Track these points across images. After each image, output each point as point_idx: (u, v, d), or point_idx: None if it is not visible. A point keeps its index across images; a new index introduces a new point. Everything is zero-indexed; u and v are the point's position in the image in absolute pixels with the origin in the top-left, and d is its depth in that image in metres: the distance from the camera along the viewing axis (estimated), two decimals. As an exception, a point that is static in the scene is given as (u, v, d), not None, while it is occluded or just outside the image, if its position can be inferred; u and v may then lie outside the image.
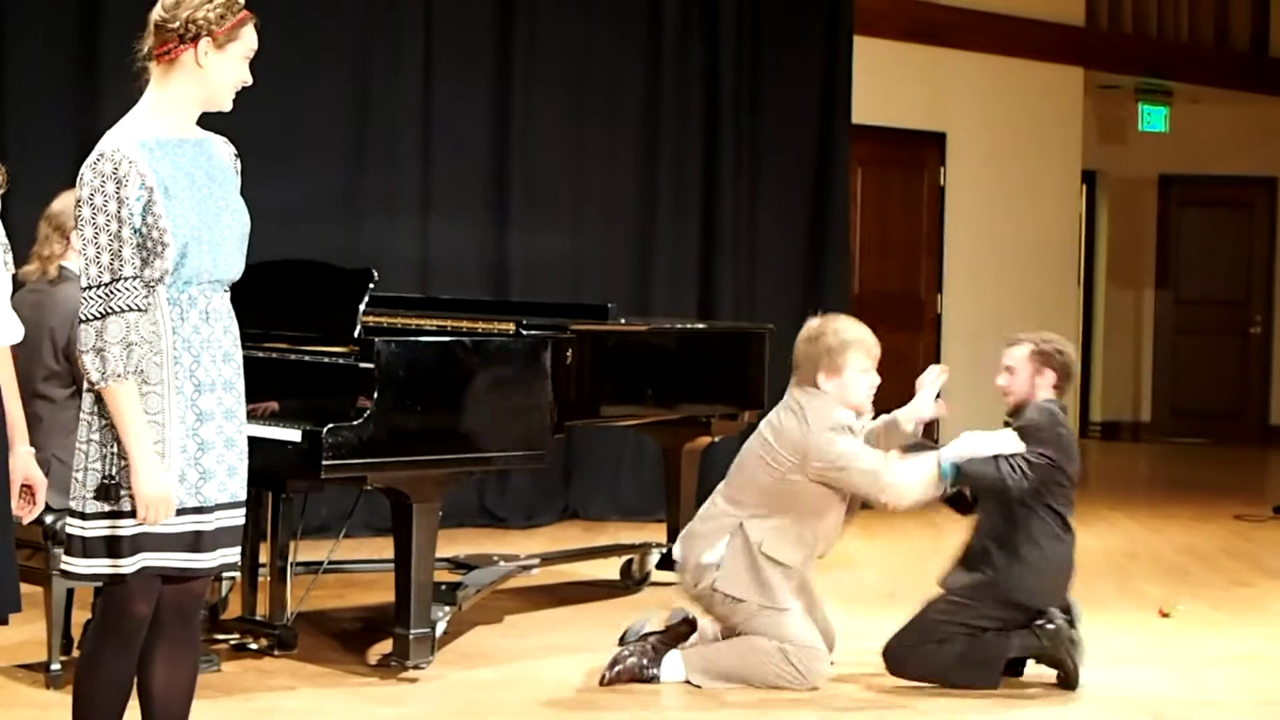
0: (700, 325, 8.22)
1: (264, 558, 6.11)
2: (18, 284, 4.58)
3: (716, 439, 7.53)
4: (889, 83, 11.62)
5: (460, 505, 8.70)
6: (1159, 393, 15.42)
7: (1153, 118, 14.30)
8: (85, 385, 3.63)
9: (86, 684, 3.76)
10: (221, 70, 3.68)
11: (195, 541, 3.67)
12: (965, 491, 5.81)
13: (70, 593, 5.48)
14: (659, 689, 5.64)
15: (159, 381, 3.62)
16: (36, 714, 5.17)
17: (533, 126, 9.41)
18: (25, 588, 4.01)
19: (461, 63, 9.15)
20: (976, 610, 5.67)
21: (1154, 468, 14.03)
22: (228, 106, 3.75)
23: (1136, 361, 15.41)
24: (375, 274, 5.69)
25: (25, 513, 3.80)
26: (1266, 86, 14.54)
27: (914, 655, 5.71)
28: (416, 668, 5.71)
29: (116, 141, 3.60)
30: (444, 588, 6.10)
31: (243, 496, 3.78)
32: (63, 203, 5.46)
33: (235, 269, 3.74)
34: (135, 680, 3.78)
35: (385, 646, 5.93)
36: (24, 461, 3.80)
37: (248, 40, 3.72)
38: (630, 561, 7.58)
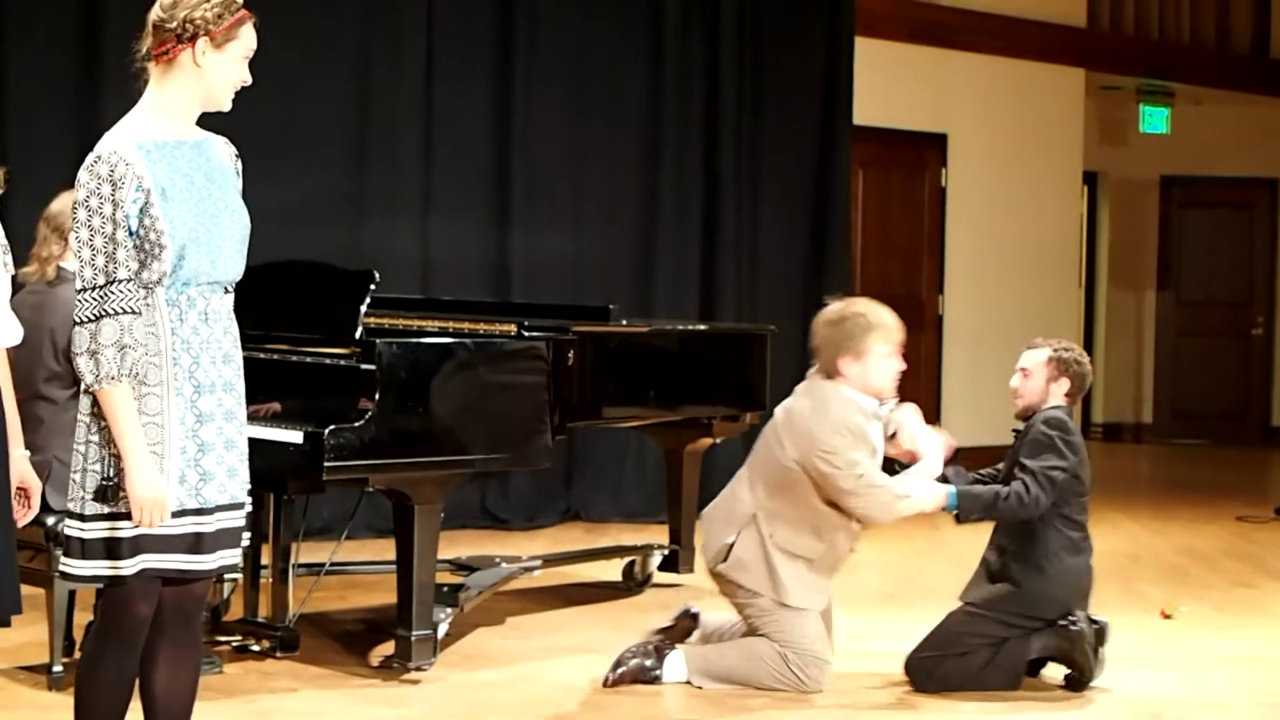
0: (702, 326, 8.22)
1: (266, 559, 6.11)
2: (17, 285, 4.57)
3: (718, 440, 7.52)
4: (891, 84, 11.63)
5: (462, 507, 8.70)
6: (1160, 394, 15.42)
7: (1154, 119, 14.29)
8: (83, 387, 3.62)
9: (88, 685, 3.76)
10: (220, 70, 3.67)
11: (196, 543, 3.67)
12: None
13: (72, 594, 5.47)
14: (661, 690, 5.63)
15: (158, 383, 3.61)
16: (38, 715, 5.17)
17: (534, 127, 9.40)
18: (27, 589, 4.00)
19: (462, 63, 9.15)
20: (997, 621, 5.64)
21: (1155, 469, 14.03)
22: (227, 106, 3.74)
23: (1138, 363, 15.41)
24: (376, 275, 5.68)
25: (20, 516, 3.79)
26: (1268, 88, 14.54)
27: (938, 669, 5.66)
28: (419, 669, 5.70)
29: (113, 143, 3.59)
30: (446, 589, 6.10)
31: (243, 498, 3.77)
32: (62, 204, 5.45)
33: (235, 270, 3.73)
34: (137, 682, 3.78)
35: (387, 648, 5.93)
36: (19, 465, 3.79)
37: (246, 40, 3.71)
38: (633, 563, 7.57)
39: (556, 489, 9.48)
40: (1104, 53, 13.47)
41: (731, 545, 5.60)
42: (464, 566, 6.84)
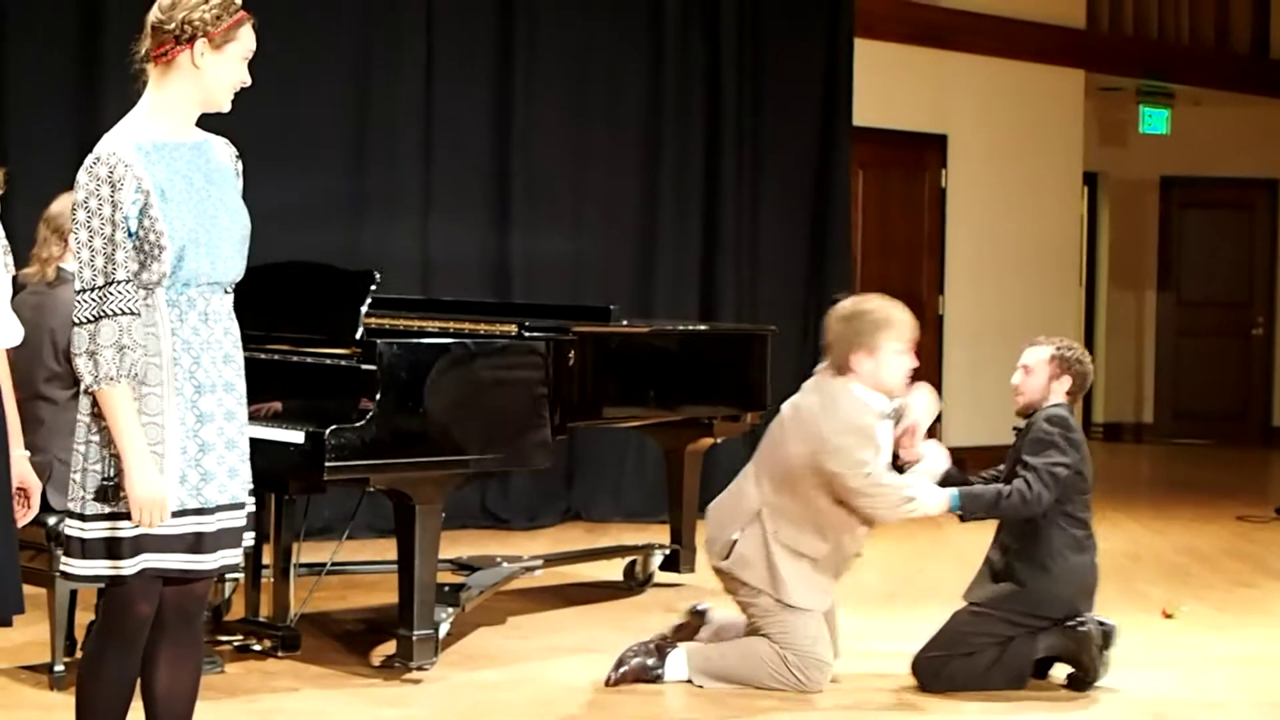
0: (702, 327, 8.22)
1: (267, 559, 6.11)
2: (18, 286, 4.58)
3: (719, 440, 7.53)
4: (890, 85, 11.64)
5: (463, 507, 8.70)
6: (1161, 394, 15.43)
7: (1154, 120, 14.29)
8: (82, 388, 3.62)
9: (89, 685, 3.76)
10: (218, 71, 3.67)
11: (196, 543, 3.67)
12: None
13: (73, 594, 5.48)
14: (663, 690, 5.63)
15: (158, 383, 3.61)
16: (40, 715, 5.17)
17: (534, 127, 9.41)
18: (28, 589, 4.00)
19: (462, 63, 9.15)
20: (1003, 620, 5.64)
21: (1156, 469, 14.03)
22: (226, 107, 3.73)
23: (1138, 363, 15.41)
24: (377, 275, 5.69)
25: (20, 516, 3.79)
26: (1267, 88, 14.54)
27: (945, 669, 5.64)
28: (420, 669, 5.71)
29: (112, 145, 3.59)
30: (447, 589, 6.10)
31: (244, 498, 3.77)
32: (62, 205, 5.46)
33: (235, 270, 3.73)
34: (139, 681, 3.78)
35: (389, 648, 5.93)
36: (19, 465, 3.80)
37: (245, 41, 3.70)
38: (634, 563, 7.58)
39: (557, 489, 9.48)
40: (1103, 54, 13.48)
41: (735, 541, 5.59)
42: (465, 566, 6.84)
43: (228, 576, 5.14)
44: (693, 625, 5.92)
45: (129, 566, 3.61)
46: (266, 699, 5.41)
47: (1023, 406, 5.82)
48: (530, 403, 5.89)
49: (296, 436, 5.40)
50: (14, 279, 3.94)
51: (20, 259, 4.41)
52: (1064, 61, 12.92)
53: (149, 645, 3.75)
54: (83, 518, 3.62)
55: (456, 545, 7.68)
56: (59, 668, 5.38)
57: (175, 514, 3.61)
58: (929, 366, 11.87)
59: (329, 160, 8.75)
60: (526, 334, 5.98)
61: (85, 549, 3.62)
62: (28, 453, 3.88)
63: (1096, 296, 15.31)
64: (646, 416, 7.03)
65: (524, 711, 5.41)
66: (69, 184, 3.69)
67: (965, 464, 5.83)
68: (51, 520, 5.10)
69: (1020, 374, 5.83)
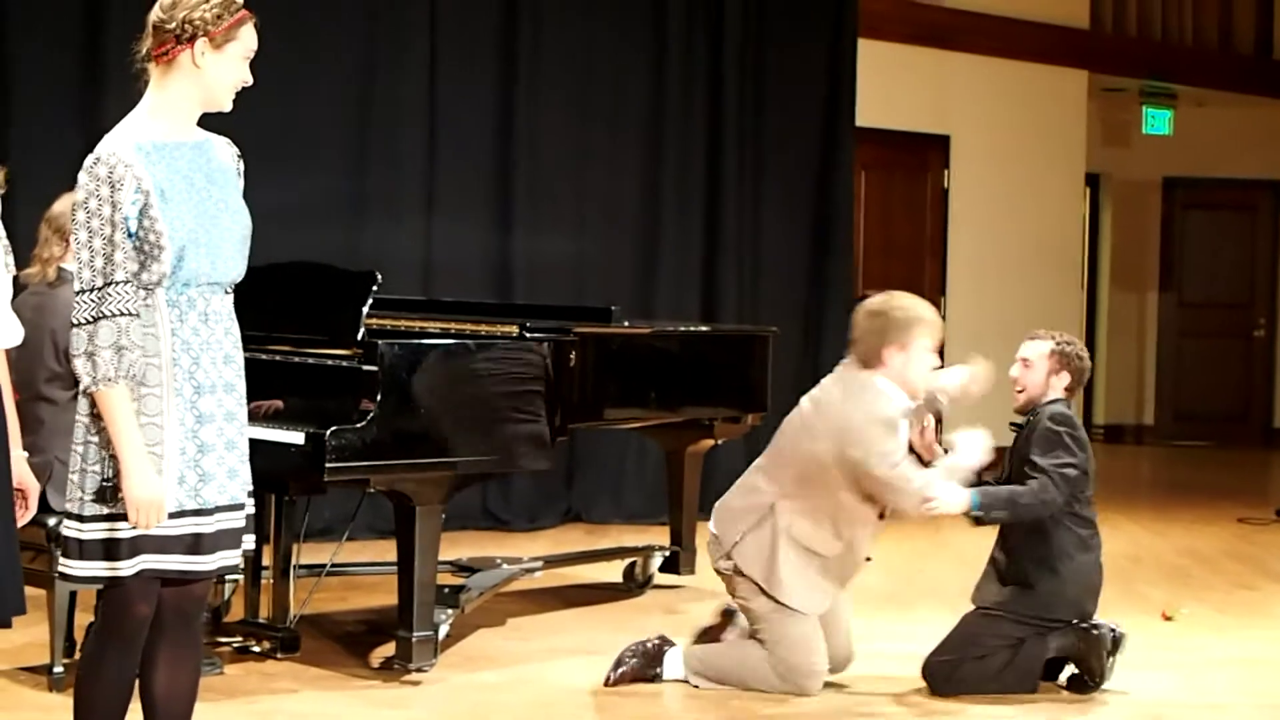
0: (703, 328, 8.21)
1: (267, 560, 6.11)
2: (19, 286, 4.58)
3: (720, 441, 7.53)
4: (893, 85, 11.64)
5: (463, 508, 8.69)
6: (1162, 396, 15.42)
7: (1157, 120, 14.29)
8: (81, 388, 3.62)
9: (88, 686, 3.76)
10: (219, 71, 3.67)
11: (195, 544, 3.66)
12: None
13: (73, 595, 5.48)
14: (662, 692, 5.63)
15: (158, 384, 3.61)
16: (39, 716, 5.17)
17: (536, 127, 9.40)
18: (28, 590, 4.00)
19: (465, 63, 9.15)
20: (1014, 622, 5.63)
21: (1157, 471, 14.02)
22: (227, 107, 3.73)
23: (1140, 364, 15.41)
24: (379, 276, 5.69)
25: (18, 517, 3.79)
26: (1271, 89, 14.54)
27: (957, 673, 5.62)
28: (419, 670, 5.71)
29: (112, 145, 3.59)
30: (447, 590, 6.10)
31: (243, 499, 3.77)
32: (63, 205, 5.46)
33: (235, 271, 3.73)
34: (138, 682, 3.78)
35: (388, 649, 5.93)
36: (17, 466, 3.80)
37: (246, 40, 3.70)
38: (634, 564, 7.58)
39: (557, 490, 9.48)
40: (1107, 54, 13.47)
41: (742, 538, 5.57)
42: (465, 568, 6.84)
43: (227, 578, 5.14)
44: (721, 625, 5.90)
45: (127, 568, 3.60)
46: (266, 700, 5.42)
47: (1023, 403, 5.80)
48: (531, 404, 5.89)
49: (297, 437, 5.40)
50: (15, 279, 3.94)
51: (21, 259, 4.41)
52: (1067, 62, 12.92)
53: (148, 646, 3.75)
54: (81, 519, 3.62)
55: (456, 546, 7.69)
56: (58, 669, 5.38)
57: (174, 515, 3.61)
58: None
59: (330, 160, 8.74)
60: (527, 335, 5.98)
61: (83, 550, 3.62)
62: (26, 454, 3.89)
63: (1098, 297, 15.31)
64: (647, 418, 7.03)
65: (523, 713, 5.41)
66: (70, 184, 3.69)
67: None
68: (51, 521, 5.10)
69: (1019, 367, 5.81)
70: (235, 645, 5.94)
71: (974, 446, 5.61)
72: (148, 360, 3.60)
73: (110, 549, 3.60)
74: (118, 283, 3.54)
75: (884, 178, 11.93)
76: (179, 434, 3.63)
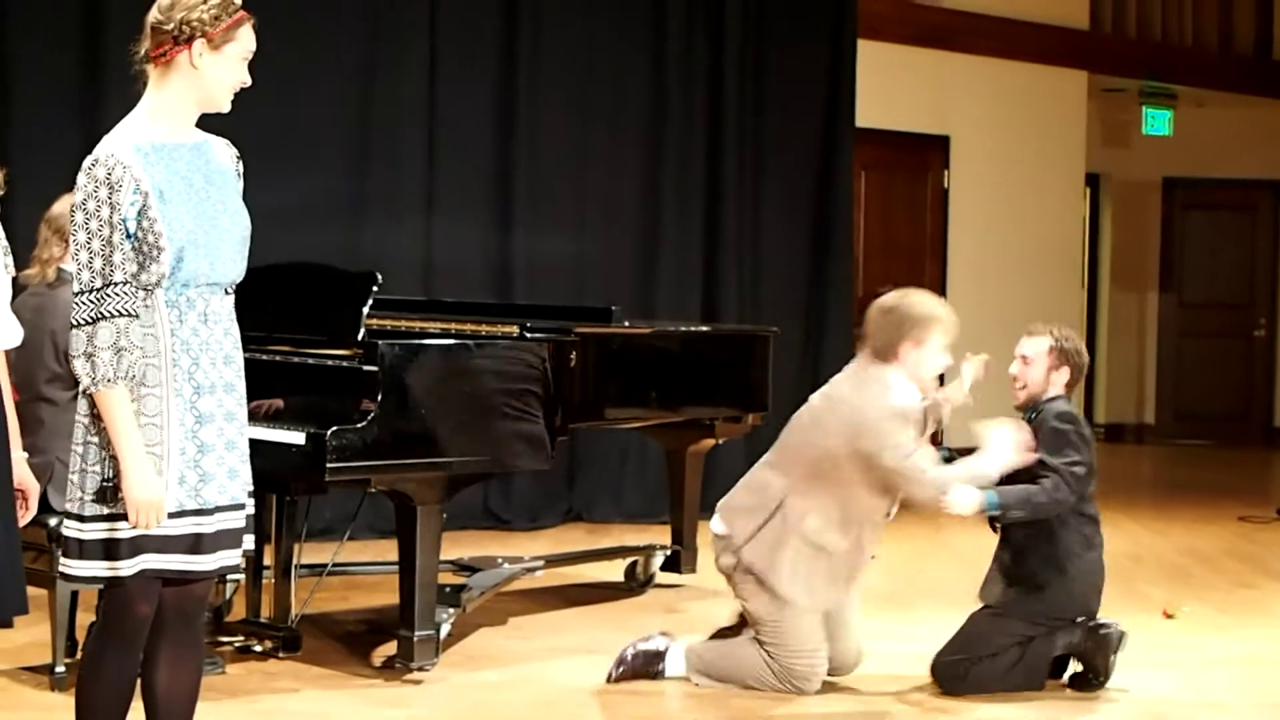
0: (704, 327, 8.21)
1: (268, 560, 6.11)
2: (19, 287, 4.58)
3: (720, 441, 7.53)
4: (893, 86, 11.64)
5: (464, 507, 8.69)
6: (1163, 395, 15.42)
7: (1157, 121, 14.29)
8: (80, 389, 3.62)
9: (89, 685, 3.76)
10: (218, 71, 3.66)
11: (195, 544, 3.67)
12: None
13: (74, 595, 5.48)
14: (664, 691, 5.63)
15: (158, 384, 3.61)
16: (41, 715, 5.17)
17: (537, 128, 9.40)
18: (30, 590, 4.01)
19: (465, 63, 9.15)
20: (1023, 620, 5.62)
21: (1158, 470, 14.03)
22: (226, 108, 3.73)
23: (1140, 364, 15.41)
24: (379, 276, 5.69)
25: (20, 517, 3.80)
26: (1270, 90, 14.54)
27: (968, 673, 5.62)
28: (421, 670, 5.71)
29: (111, 146, 3.59)
30: (448, 590, 6.10)
31: (244, 499, 3.77)
32: (63, 206, 5.46)
33: (235, 272, 3.73)
34: (139, 682, 3.78)
35: (390, 648, 5.93)
36: (18, 467, 3.80)
37: (244, 41, 3.70)
38: (635, 563, 7.58)
39: (558, 490, 9.48)
40: (1106, 55, 13.47)
41: (750, 534, 5.56)
42: (466, 567, 6.85)
43: (229, 577, 5.16)
44: (738, 628, 5.88)
45: (127, 567, 3.61)
46: (267, 700, 5.42)
47: (1024, 400, 5.78)
48: (531, 404, 5.89)
49: (298, 437, 5.40)
50: (15, 280, 3.95)
51: (21, 260, 4.42)
52: (1067, 63, 12.92)
53: (149, 646, 3.75)
54: (81, 519, 3.62)
55: (458, 546, 7.68)
56: (60, 669, 5.38)
57: (174, 515, 3.61)
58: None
59: (330, 160, 8.75)
60: (528, 335, 5.99)
61: (83, 550, 3.62)
62: (26, 454, 3.89)
63: (1098, 297, 15.31)
64: (648, 417, 7.03)
65: (525, 712, 5.41)
66: (70, 185, 3.70)
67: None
68: (53, 521, 5.10)
69: (1018, 364, 5.80)
70: (237, 645, 5.94)
71: (1004, 446, 5.55)
72: (147, 361, 3.60)
73: (110, 549, 3.60)
74: (117, 284, 3.54)
75: (884, 178, 11.93)
76: (179, 434, 3.63)
